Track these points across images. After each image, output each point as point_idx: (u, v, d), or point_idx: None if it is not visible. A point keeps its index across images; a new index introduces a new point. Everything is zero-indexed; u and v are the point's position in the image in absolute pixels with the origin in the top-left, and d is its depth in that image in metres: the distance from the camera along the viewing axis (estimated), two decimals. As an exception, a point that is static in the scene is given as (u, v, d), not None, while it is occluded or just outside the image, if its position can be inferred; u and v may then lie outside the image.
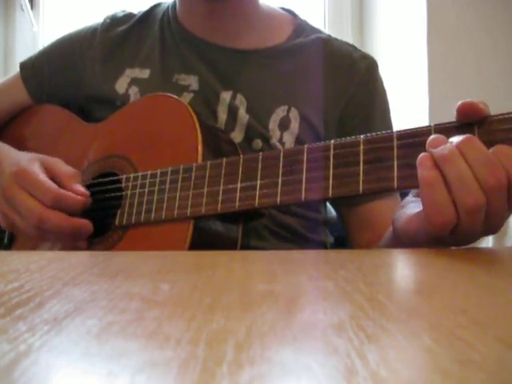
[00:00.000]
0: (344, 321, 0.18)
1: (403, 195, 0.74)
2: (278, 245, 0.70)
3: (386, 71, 0.84)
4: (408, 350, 0.16)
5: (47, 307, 0.21)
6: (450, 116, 0.44)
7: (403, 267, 0.36)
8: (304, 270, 0.30)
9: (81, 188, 0.61)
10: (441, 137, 0.41)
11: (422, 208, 0.41)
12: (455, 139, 0.40)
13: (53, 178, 0.61)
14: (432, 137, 0.41)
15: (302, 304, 0.22)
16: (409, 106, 1.45)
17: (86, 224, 0.60)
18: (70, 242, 0.61)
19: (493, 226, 0.41)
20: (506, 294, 0.24)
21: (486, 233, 0.41)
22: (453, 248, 0.40)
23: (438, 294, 0.24)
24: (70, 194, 0.60)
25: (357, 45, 0.80)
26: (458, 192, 0.38)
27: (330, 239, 0.80)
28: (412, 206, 0.46)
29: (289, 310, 0.20)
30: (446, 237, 0.40)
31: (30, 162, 0.62)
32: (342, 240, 0.83)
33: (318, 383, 0.13)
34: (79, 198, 0.60)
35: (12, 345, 0.16)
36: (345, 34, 1.73)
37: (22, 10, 1.76)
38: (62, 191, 0.59)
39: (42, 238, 0.61)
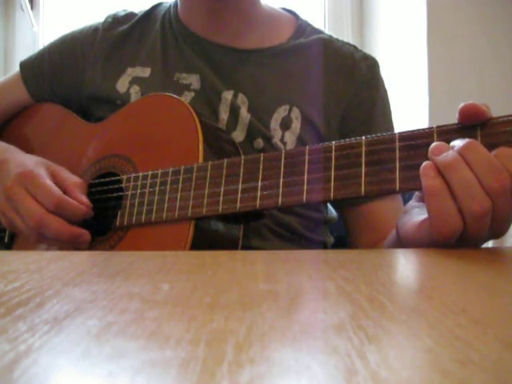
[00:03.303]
0: (344, 321, 0.18)
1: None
2: (278, 244, 0.70)
3: (386, 71, 0.84)
4: (408, 350, 0.16)
5: (47, 307, 0.21)
6: (450, 116, 0.44)
7: (403, 267, 0.36)
8: (304, 270, 0.30)
9: (85, 198, 0.61)
10: (443, 144, 0.41)
11: (426, 215, 0.41)
12: (457, 143, 0.40)
13: (57, 184, 0.61)
14: (434, 144, 0.41)
15: (301, 304, 0.22)
16: (409, 106, 1.45)
17: (84, 234, 0.60)
18: (65, 248, 0.61)
19: (499, 230, 0.40)
20: (506, 293, 0.24)
21: (493, 236, 0.41)
22: (453, 248, 0.40)
23: (438, 294, 0.24)
24: (73, 201, 0.60)
25: (357, 45, 0.80)
26: (464, 199, 0.38)
27: (331, 239, 0.80)
28: (416, 211, 0.46)
29: (289, 310, 0.20)
30: (452, 243, 0.40)
31: (37, 165, 0.62)
32: (342, 240, 0.82)
33: (317, 383, 0.13)
34: (82, 207, 0.60)
35: (12, 345, 0.16)
36: (345, 34, 1.73)
37: (22, 10, 1.76)
38: (66, 197, 0.59)
39: (38, 240, 0.61)
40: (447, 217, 0.38)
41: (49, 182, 0.60)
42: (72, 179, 0.63)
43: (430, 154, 0.40)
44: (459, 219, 0.38)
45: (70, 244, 0.60)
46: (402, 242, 0.47)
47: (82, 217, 0.60)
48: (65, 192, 0.60)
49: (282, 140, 0.70)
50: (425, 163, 0.40)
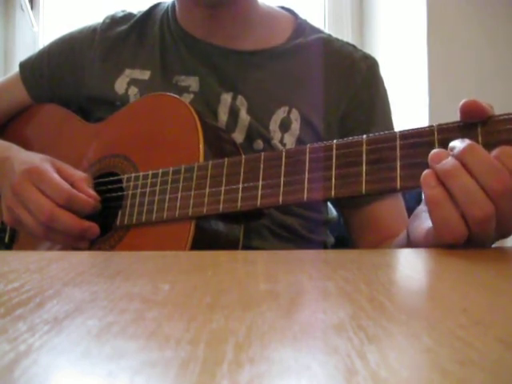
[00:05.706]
0: (344, 321, 0.18)
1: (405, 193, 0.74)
2: (279, 245, 0.70)
3: (386, 71, 0.84)
4: (408, 350, 0.16)
5: (47, 307, 0.21)
6: (450, 116, 0.44)
7: (403, 267, 0.36)
8: (304, 270, 0.30)
9: (92, 192, 0.62)
10: (442, 150, 0.40)
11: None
12: (457, 145, 0.39)
13: (64, 179, 0.61)
14: (434, 151, 0.41)
15: (302, 304, 0.22)
16: (409, 106, 1.45)
17: (93, 226, 0.60)
18: (74, 242, 0.61)
19: (506, 230, 0.40)
20: (506, 293, 0.24)
21: (499, 237, 0.41)
22: (453, 248, 0.40)
23: (438, 294, 0.24)
24: (83, 195, 0.60)
25: (357, 45, 0.80)
26: (466, 206, 0.37)
27: (331, 239, 0.79)
28: (425, 216, 0.46)
29: (289, 310, 0.20)
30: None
31: (42, 161, 0.62)
32: (343, 240, 0.82)
33: (317, 383, 0.13)
34: (91, 200, 0.60)
35: (12, 345, 0.16)
36: (345, 34, 1.73)
37: (22, 10, 1.76)
38: (75, 192, 0.60)
39: (46, 236, 0.61)
40: (451, 225, 0.38)
41: (57, 177, 0.60)
42: (78, 174, 0.63)
43: (430, 161, 0.40)
44: (463, 226, 0.38)
45: (78, 239, 0.60)
46: (412, 247, 0.47)
47: (91, 210, 0.61)
48: (72, 186, 0.61)
49: (281, 141, 0.70)
50: (425, 172, 0.40)
